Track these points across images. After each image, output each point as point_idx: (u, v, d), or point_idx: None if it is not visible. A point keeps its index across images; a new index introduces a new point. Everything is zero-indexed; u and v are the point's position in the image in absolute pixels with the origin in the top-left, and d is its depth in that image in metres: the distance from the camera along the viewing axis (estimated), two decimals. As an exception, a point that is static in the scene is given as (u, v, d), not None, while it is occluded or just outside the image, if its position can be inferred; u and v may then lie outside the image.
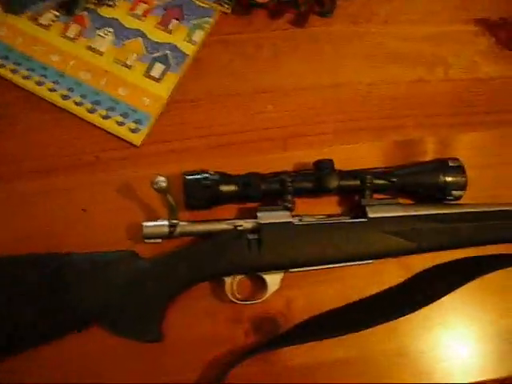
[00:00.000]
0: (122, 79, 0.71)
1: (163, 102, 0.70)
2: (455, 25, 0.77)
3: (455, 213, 0.65)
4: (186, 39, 0.73)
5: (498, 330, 0.66)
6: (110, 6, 0.74)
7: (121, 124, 0.69)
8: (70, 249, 0.63)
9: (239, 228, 0.63)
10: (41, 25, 0.73)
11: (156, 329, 0.61)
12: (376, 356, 0.64)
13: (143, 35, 0.73)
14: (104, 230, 0.66)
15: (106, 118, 0.70)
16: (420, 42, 0.76)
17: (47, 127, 0.70)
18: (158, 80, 0.71)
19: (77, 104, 0.70)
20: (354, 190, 0.65)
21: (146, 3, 0.74)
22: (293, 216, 0.64)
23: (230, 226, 0.63)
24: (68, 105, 0.70)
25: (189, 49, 0.73)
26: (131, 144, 0.69)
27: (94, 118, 0.70)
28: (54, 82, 0.71)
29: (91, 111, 0.70)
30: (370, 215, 0.64)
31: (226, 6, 0.75)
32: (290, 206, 0.63)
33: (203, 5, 0.75)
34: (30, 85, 0.70)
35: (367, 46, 0.75)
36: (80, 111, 0.70)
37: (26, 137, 0.69)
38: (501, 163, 0.72)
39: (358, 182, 0.64)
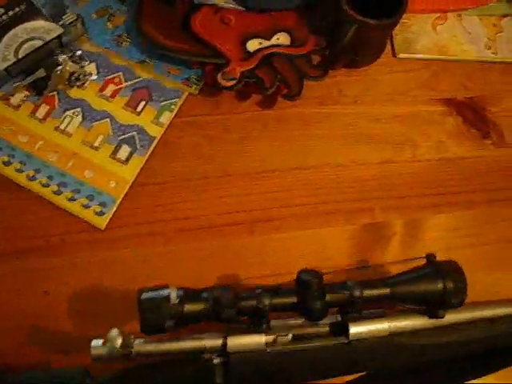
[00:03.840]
0: (89, 161, 0.71)
1: (128, 185, 0.70)
2: (422, 105, 0.78)
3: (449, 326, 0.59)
4: (154, 121, 0.73)
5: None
6: (79, 87, 0.74)
7: (86, 207, 0.69)
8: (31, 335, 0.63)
9: (205, 356, 0.55)
10: (11, 105, 0.73)
11: None
12: None
13: (111, 117, 0.73)
14: (65, 316, 0.65)
15: (71, 200, 0.69)
16: (389, 122, 0.76)
17: (13, 208, 0.69)
18: (124, 162, 0.71)
19: (43, 185, 0.70)
20: (342, 304, 0.57)
21: (114, 84, 0.75)
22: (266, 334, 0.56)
23: (196, 346, 0.55)
24: (34, 186, 0.70)
25: (156, 131, 0.73)
26: (96, 227, 0.68)
27: (60, 200, 0.69)
28: (21, 163, 0.70)
29: (57, 193, 0.69)
30: (352, 332, 0.56)
31: (194, 87, 0.75)
32: (264, 328, 0.55)
33: (171, 86, 0.75)
34: (-4, 165, 0.71)
35: (336, 127, 0.75)
36: (46, 193, 0.69)
37: (-9, 217, 0.69)
38: (472, 245, 0.71)
39: (346, 296, 0.55)
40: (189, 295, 0.54)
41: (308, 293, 0.54)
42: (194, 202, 0.70)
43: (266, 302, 0.54)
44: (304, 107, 0.76)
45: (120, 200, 0.69)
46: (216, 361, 0.55)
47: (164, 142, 0.73)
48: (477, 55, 0.82)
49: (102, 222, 0.68)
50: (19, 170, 0.70)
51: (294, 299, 0.55)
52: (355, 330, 0.56)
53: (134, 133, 0.72)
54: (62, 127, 0.72)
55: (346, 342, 0.56)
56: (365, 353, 0.56)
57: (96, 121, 0.73)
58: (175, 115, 0.74)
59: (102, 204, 0.69)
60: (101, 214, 0.69)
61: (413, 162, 0.75)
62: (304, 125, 0.75)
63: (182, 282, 0.65)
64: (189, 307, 0.53)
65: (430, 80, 0.80)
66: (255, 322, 0.55)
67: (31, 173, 0.70)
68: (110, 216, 0.69)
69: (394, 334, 0.57)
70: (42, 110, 0.73)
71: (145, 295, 0.53)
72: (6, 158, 0.71)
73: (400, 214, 0.72)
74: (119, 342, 0.53)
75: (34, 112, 0.73)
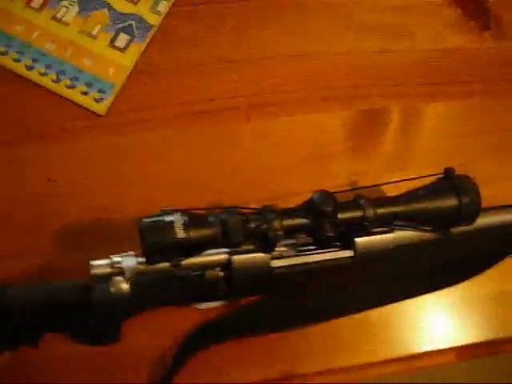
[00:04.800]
0: (87, 49, 0.71)
1: (127, 72, 0.70)
2: (421, -4, 0.77)
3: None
4: (151, 10, 0.73)
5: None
6: (75, -24, 0.74)
7: (85, 94, 0.69)
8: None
9: (210, 273, 0.54)
10: (6, -4, 0.73)
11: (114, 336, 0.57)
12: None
13: (108, 6, 0.73)
14: (72, 200, 0.65)
15: (70, 87, 0.69)
16: (386, 12, 0.76)
17: (12, 98, 0.69)
18: (122, 50, 0.71)
19: (41, 74, 0.70)
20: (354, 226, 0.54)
21: (111, -26, 0.74)
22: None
23: (201, 262, 0.53)
24: (32, 75, 0.70)
25: (154, 19, 0.72)
26: (96, 114, 0.69)
27: (59, 88, 0.69)
28: (18, 53, 0.70)
29: (56, 81, 0.69)
30: (358, 245, 0.54)
31: (192, -24, 0.75)
32: (271, 250, 0.54)
33: (169, -25, 0.75)
34: (-6, 55, 0.70)
35: (335, 17, 0.75)
36: (45, 81, 0.69)
37: (-11, 107, 0.69)
38: (471, 134, 0.72)
39: (359, 217, 0.53)
40: (194, 220, 0.50)
41: (321, 221, 0.52)
42: (192, 88, 0.70)
43: (277, 226, 0.51)
44: (304, -5, 0.75)
45: (119, 87, 0.70)
46: (220, 274, 0.54)
47: (162, 30, 0.72)
48: None
49: (102, 108, 0.69)
50: (17, 60, 0.70)
51: (306, 224, 0.52)
52: (361, 243, 0.54)
53: (132, 21, 0.72)
54: (59, 16, 0.72)
55: (353, 255, 0.55)
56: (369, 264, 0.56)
57: (93, 10, 0.72)
58: (173, 4, 0.73)
59: (102, 91, 0.69)
60: (100, 100, 0.69)
61: (410, 52, 0.75)
62: (302, 14, 0.75)
63: (178, 166, 0.67)
64: (195, 233, 0.49)
65: (430, -29, 0.79)
66: (263, 245, 0.53)
67: (29, 62, 0.70)
68: (110, 102, 0.69)
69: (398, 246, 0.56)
70: (38, 0, 0.73)
71: (146, 223, 0.49)
72: (3, 49, 0.70)
73: (397, 102, 0.72)
74: (125, 286, 0.52)
75: (29, 2, 0.72)
